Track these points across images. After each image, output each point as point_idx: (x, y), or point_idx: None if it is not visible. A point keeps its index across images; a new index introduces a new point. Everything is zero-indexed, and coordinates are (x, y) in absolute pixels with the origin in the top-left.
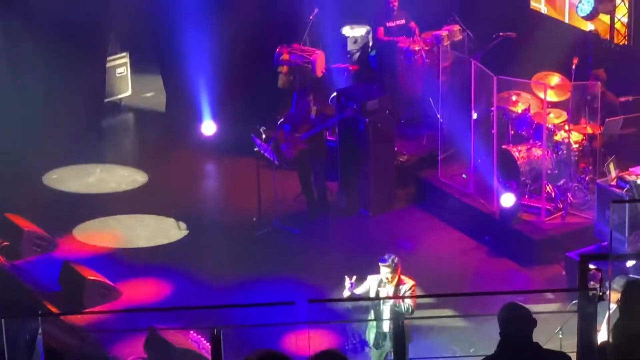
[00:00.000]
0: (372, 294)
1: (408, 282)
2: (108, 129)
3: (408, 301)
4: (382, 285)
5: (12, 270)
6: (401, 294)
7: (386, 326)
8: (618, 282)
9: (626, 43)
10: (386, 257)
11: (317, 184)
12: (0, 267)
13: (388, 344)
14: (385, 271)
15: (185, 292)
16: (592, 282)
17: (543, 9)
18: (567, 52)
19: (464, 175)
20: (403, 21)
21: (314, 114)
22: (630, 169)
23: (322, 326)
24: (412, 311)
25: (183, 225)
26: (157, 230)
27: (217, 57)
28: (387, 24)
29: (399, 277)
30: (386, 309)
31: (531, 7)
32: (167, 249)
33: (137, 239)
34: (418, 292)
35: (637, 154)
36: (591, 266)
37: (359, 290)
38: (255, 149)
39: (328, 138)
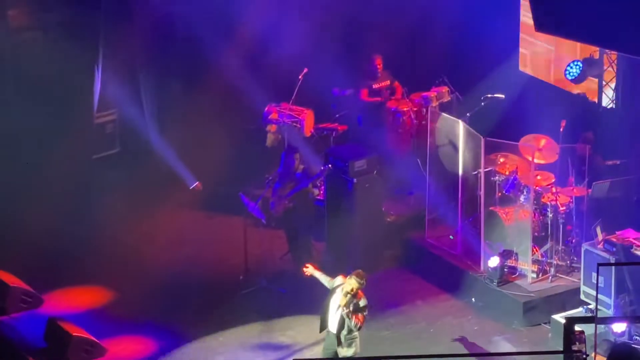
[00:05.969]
0: (331, 291)
1: (363, 300)
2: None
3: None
4: (334, 292)
5: None
6: (354, 308)
7: (333, 328)
8: (603, 346)
9: (613, 106)
10: (361, 272)
11: (303, 242)
12: None
13: (329, 342)
14: (351, 283)
15: (170, 350)
16: (577, 345)
17: (530, 71)
18: (555, 114)
19: (450, 237)
20: (388, 82)
21: (299, 172)
22: (616, 233)
23: None
24: (359, 328)
25: None
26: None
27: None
28: (373, 86)
29: (360, 292)
30: (337, 315)
31: (519, 69)
32: (153, 307)
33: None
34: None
35: (623, 218)
36: (577, 329)
37: (322, 278)
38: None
39: (317, 198)
